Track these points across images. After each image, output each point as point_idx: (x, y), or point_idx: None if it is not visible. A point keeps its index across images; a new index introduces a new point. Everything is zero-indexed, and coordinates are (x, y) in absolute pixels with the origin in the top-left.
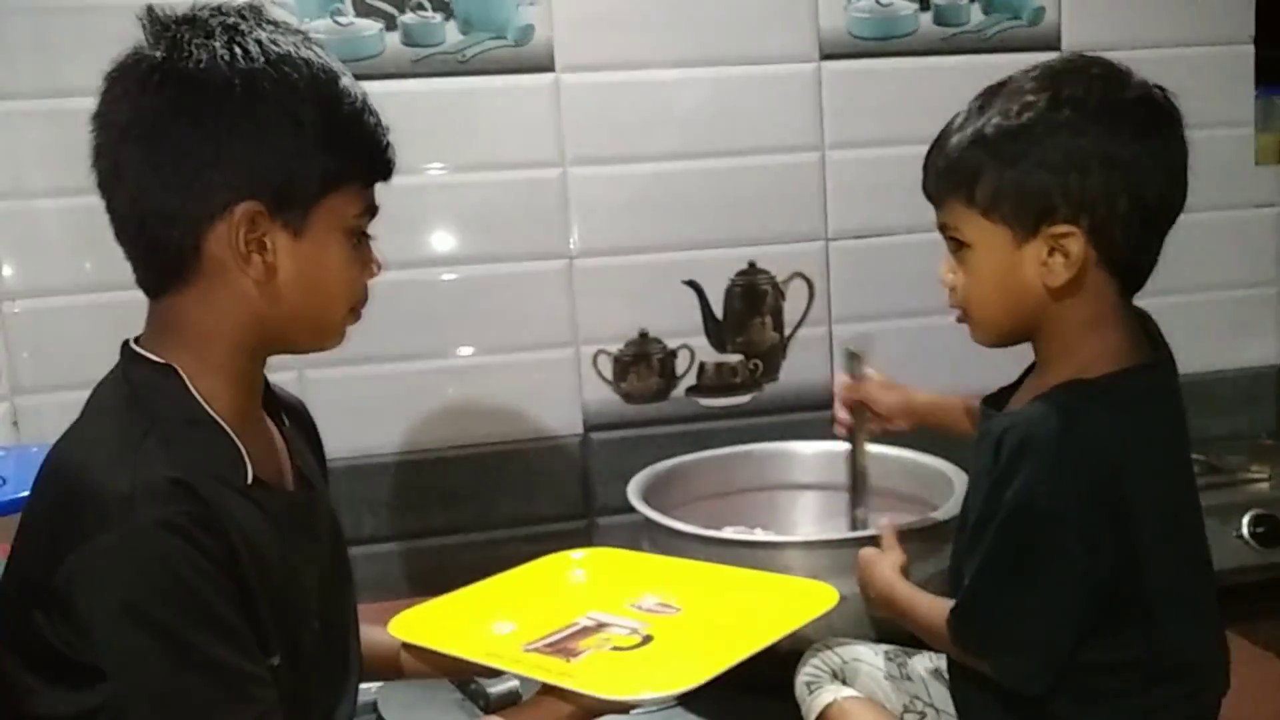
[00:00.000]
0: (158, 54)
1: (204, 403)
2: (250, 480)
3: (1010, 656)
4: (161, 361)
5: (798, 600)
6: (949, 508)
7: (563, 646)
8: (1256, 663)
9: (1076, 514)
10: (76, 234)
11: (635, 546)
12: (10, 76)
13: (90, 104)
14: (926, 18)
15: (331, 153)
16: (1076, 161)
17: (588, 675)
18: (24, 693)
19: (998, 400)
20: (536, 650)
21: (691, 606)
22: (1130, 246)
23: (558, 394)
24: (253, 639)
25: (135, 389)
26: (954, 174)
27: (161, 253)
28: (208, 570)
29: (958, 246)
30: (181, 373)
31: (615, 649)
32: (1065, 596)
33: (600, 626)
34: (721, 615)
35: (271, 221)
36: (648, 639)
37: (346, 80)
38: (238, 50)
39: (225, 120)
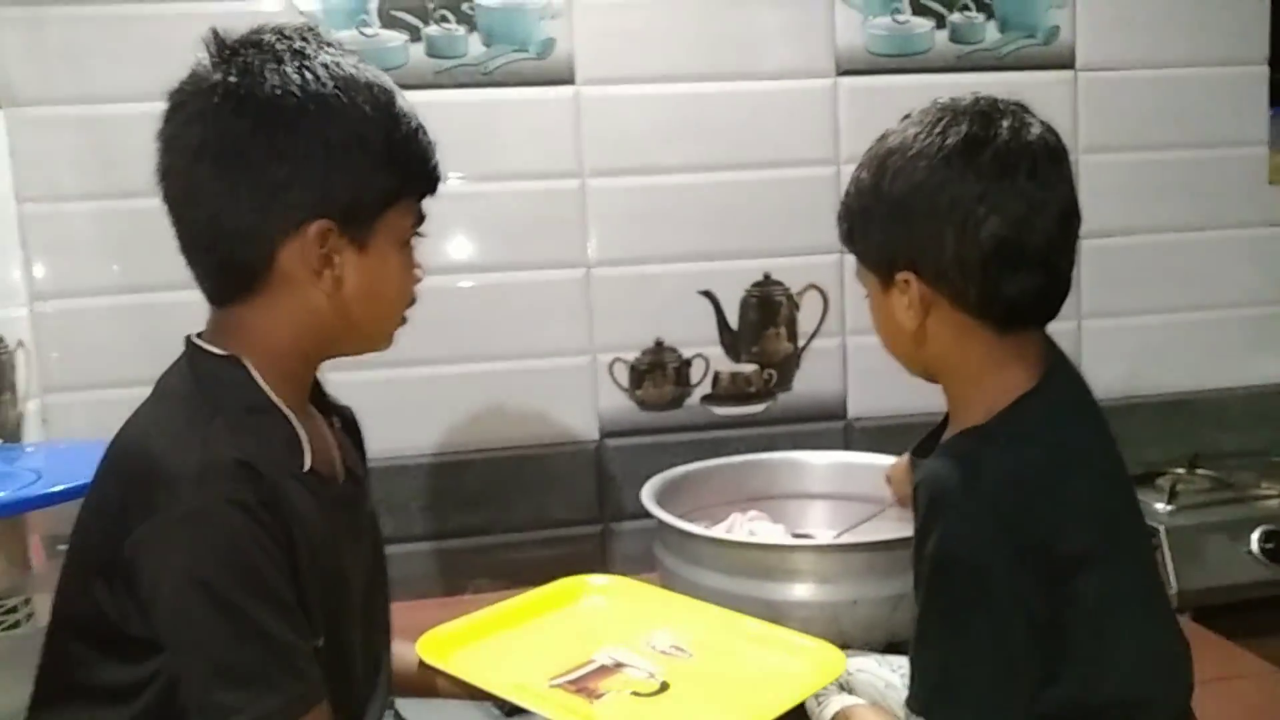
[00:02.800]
0: (231, 78)
1: (268, 391)
2: (307, 468)
3: (957, 706)
4: (226, 354)
5: (806, 663)
6: None
7: (584, 685)
8: (1265, 677)
9: (995, 560)
10: (106, 237)
11: (648, 550)
12: (43, 83)
13: (121, 110)
14: (942, 35)
15: (392, 170)
16: (900, 211)
17: None
18: (77, 664)
19: (925, 448)
20: (561, 687)
21: (703, 653)
22: (977, 287)
23: (574, 401)
24: (303, 618)
25: (200, 378)
26: (840, 229)
27: (234, 268)
28: (268, 548)
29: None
30: (246, 363)
31: (635, 694)
32: (1003, 644)
33: (618, 666)
34: (733, 668)
35: (340, 237)
36: (664, 686)
37: (401, 100)
38: (308, 75)
39: (300, 142)
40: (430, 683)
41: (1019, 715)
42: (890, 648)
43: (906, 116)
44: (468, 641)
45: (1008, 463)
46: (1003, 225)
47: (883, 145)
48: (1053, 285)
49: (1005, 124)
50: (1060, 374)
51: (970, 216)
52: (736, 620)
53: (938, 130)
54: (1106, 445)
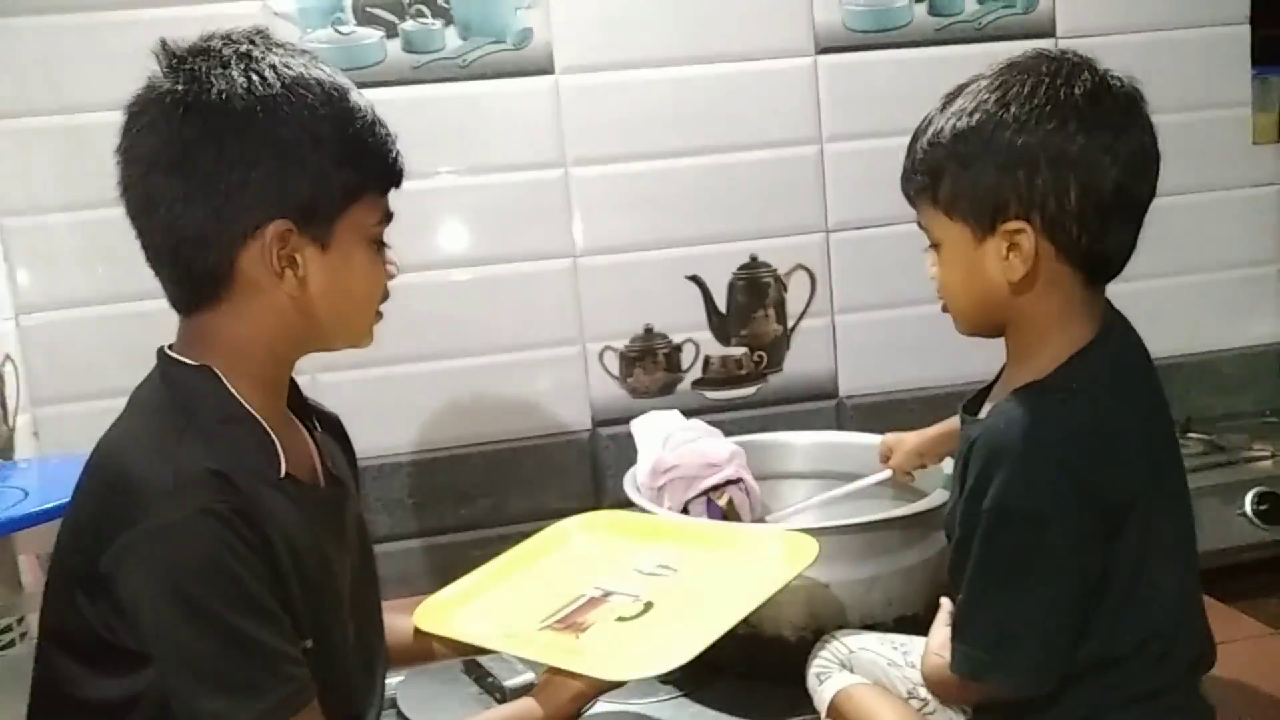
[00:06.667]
0: (179, 86)
1: (241, 400)
2: (283, 474)
3: (1018, 659)
4: (198, 364)
5: (781, 553)
6: (936, 496)
7: (572, 621)
8: (1261, 639)
9: (1056, 510)
10: (88, 247)
11: None
12: (20, 95)
13: (98, 119)
14: (921, 9)
15: (349, 167)
16: (1023, 159)
17: (593, 652)
18: (70, 680)
19: (975, 403)
20: (549, 628)
21: (687, 566)
22: (1089, 237)
23: (566, 390)
24: (287, 621)
25: (173, 389)
26: (919, 175)
27: (197, 275)
28: (244, 555)
29: (932, 244)
30: (218, 372)
31: (620, 619)
32: (1059, 593)
33: (606, 596)
34: (714, 576)
35: (300, 237)
36: (649, 606)
37: (355, 95)
38: (255, 78)
39: (250, 145)
40: (427, 649)
41: (1066, 671)
42: (866, 629)
43: (1005, 65)
44: (463, 604)
45: (1068, 416)
46: (1123, 175)
47: (980, 94)
48: (1137, 237)
49: (1112, 75)
50: (1117, 329)
51: (1096, 166)
52: (715, 529)
53: (1059, 81)
54: (1157, 399)
